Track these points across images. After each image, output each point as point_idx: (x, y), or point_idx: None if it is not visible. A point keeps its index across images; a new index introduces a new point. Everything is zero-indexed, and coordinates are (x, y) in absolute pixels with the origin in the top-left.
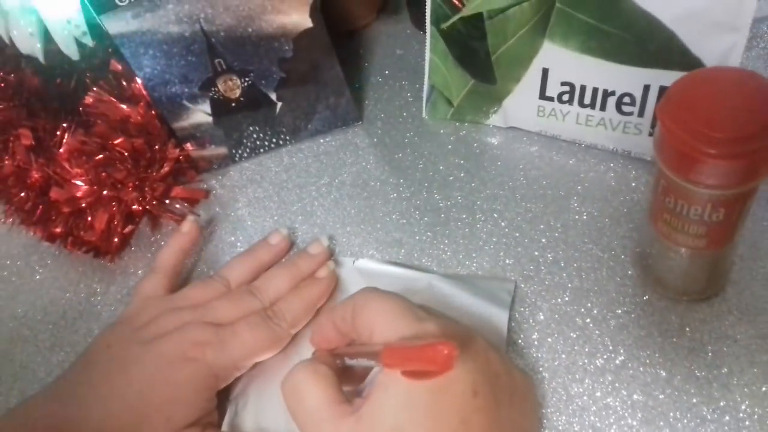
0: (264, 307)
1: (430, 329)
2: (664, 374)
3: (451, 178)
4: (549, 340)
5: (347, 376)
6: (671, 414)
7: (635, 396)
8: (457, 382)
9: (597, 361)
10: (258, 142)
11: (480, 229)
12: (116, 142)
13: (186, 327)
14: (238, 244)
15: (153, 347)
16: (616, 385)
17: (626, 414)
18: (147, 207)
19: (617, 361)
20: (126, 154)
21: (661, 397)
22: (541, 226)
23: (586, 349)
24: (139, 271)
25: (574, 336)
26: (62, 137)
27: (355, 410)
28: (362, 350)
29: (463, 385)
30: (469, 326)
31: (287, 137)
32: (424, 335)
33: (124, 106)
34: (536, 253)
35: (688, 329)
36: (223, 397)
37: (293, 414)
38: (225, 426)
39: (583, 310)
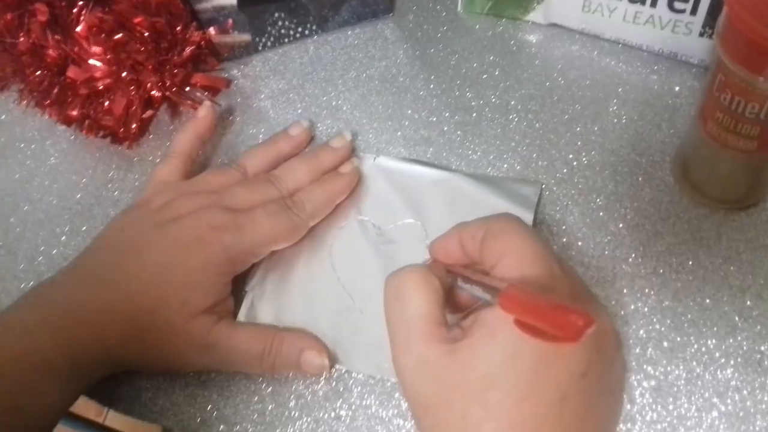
0: (282, 196)
1: (560, 288)
2: (696, 282)
3: (485, 76)
4: (579, 243)
5: (451, 301)
6: (701, 321)
7: (665, 302)
8: (571, 357)
9: (627, 267)
10: (283, 31)
11: (513, 130)
12: (136, 20)
13: (202, 210)
14: (260, 136)
15: (168, 230)
16: (646, 290)
17: (655, 319)
18: (166, 93)
19: (648, 267)
20: (146, 34)
21: (691, 304)
22: (578, 129)
23: (617, 254)
24: (157, 159)
25: (606, 240)
26: (80, 14)
27: (452, 340)
28: (481, 279)
29: (576, 362)
30: (598, 299)
31: (314, 27)
32: (551, 291)
33: None
34: (570, 156)
35: (724, 238)
36: (238, 287)
37: (388, 317)
38: (241, 317)
39: (616, 215)
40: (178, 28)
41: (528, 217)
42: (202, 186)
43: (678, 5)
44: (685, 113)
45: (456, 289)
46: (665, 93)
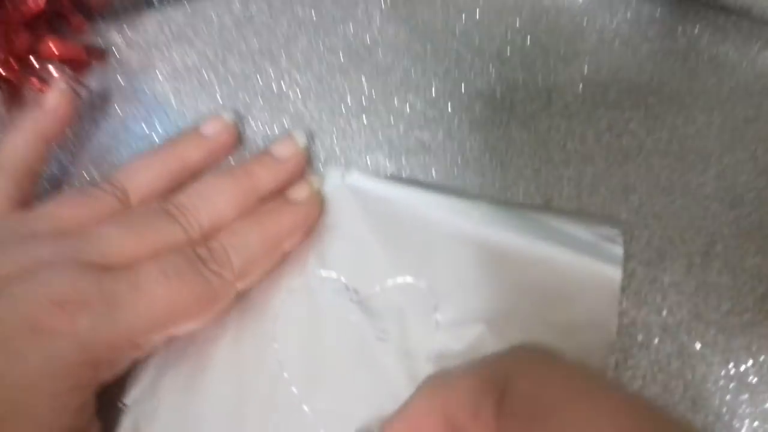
0: (191, 239)
1: None
2: None
3: (509, 50)
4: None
5: None
6: None
7: None
8: None
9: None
10: None
11: (561, 134)
12: None
13: (43, 271)
14: (154, 136)
15: None
16: None
17: None
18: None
19: None
20: None
21: None
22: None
23: None
24: None
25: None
26: None
27: None
28: None
29: None
30: None
31: None
32: None
33: None
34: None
35: None
36: (111, 400)
37: None
38: None
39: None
40: None
41: (614, 279)
42: (49, 222)
43: None
44: None
45: None
46: None
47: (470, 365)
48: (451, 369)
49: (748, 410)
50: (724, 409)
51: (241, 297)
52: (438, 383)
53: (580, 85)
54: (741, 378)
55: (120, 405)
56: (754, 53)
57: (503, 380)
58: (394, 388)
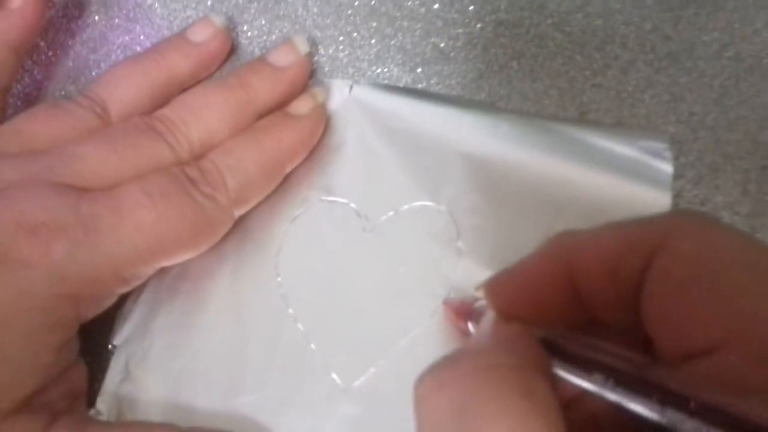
0: (180, 160)
1: None
2: None
3: None
4: None
5: None
6: None
7: None
8: None
9: None
10: None
11: (621, 38)
12: None
13: (11, 193)
14: (136, 46)
15: None
16: None
17: None
18: None
19: None
20: None
21: None
22: None
23: None
24: None
25: None
26: None
27: None
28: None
29: None
30: None
31: None
32: None
33: None
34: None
35: None
36: (98, 341)
37: None
38: (103, 403)
39: None
40: None
41: (663, 202)
42: (17, 141)
43: None
44: None
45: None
46: None
47: (611, 224)
48: (587, 229)
49: None
50: None
51: (239, 227)
52: (568, 239)
53: None
54: None
55: (109, 347)
56: None
57: (658, 238)
58: (414, 323)
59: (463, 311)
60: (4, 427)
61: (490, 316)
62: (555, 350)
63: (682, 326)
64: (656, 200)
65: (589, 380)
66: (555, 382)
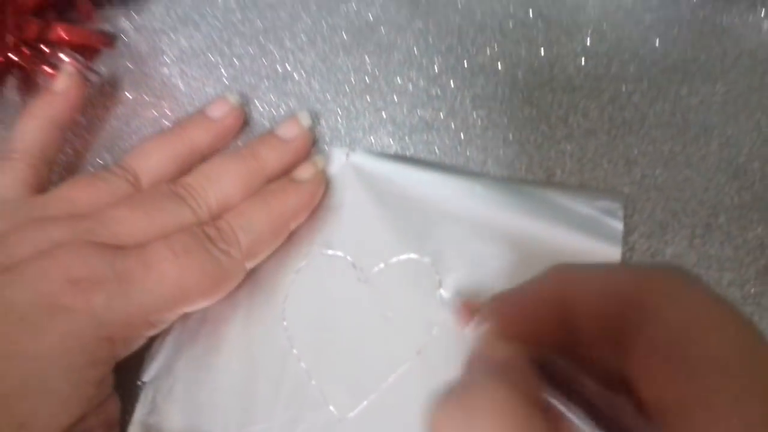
0: (200, 220)
1: None
2: None
3: (512, 24)
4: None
5: None
6: None
7: None
8: None
9: None
10: None
11: (565, 111)
12: None
13: (58, 251)
14: (163, 120)
15: None
16: None
17: None
18: (11, 55)
19: None
20: None
21: None
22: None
23: None
24: None
25: None
26: None
27: None
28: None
29: None
30: None
31: None
32: None
33: None
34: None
35: None
36: (129, 378)
37: None
38: (135, 428)
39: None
40: None
41: (613, 257)
42: (63, 206)
43: None
44: None
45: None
46: None
47: (607, 266)
48: (582, 264)
49: None
50: None
51: (251, 278)
52: (567, 274)
53: (583, 58)
54: None
55: (138, 383)
56: (759, 21)
57: (647, 297)
58: (402, 361)
59: (465, 314)
60: None
61: (486, 332)
62: (546, 372)
63: (659, 385)
64: (607, 255)
65: (573, 413)
66: (545, 406)
